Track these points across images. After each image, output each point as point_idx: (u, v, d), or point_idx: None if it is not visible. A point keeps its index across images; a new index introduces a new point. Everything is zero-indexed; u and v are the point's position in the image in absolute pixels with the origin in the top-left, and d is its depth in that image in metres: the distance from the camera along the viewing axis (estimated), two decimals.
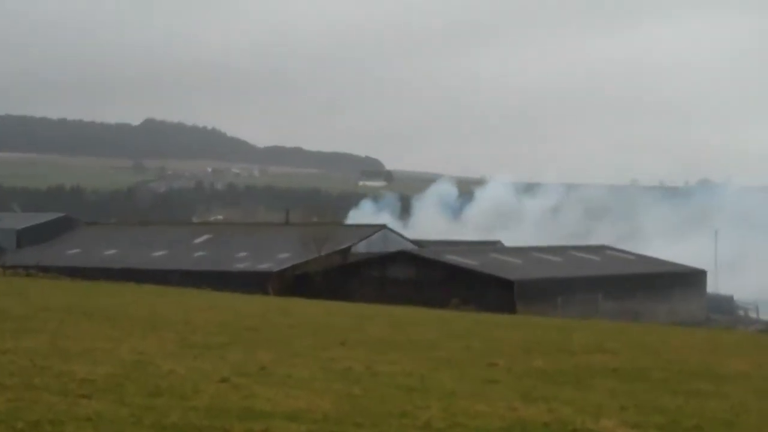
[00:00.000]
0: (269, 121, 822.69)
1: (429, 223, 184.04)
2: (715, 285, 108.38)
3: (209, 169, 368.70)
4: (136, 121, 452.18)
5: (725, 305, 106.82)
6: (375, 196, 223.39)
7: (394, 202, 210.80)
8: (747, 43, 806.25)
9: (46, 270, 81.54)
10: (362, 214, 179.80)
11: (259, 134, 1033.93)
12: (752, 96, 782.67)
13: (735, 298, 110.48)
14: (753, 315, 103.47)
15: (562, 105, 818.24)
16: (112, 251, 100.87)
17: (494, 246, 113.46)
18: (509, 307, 75.65)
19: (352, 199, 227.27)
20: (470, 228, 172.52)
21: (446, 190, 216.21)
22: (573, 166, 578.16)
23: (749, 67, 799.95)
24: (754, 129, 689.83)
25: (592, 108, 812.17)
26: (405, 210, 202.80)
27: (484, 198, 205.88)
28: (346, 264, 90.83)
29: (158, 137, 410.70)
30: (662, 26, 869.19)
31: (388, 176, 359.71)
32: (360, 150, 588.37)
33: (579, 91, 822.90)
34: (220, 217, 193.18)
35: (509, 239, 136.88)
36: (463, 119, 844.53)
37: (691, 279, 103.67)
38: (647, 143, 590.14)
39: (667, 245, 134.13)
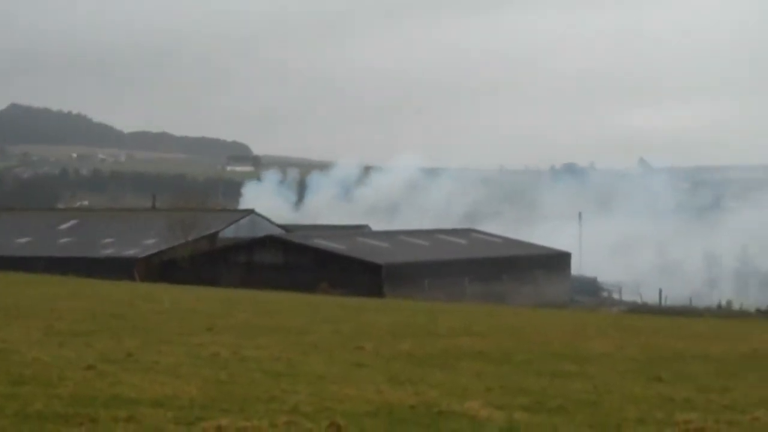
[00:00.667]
0: (138, 106, 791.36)
1: (324, 207, 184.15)
2: (579, 267, 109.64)
3: (74, 155, 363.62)
4: (1, 104, 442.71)
5: (590, 287, 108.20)
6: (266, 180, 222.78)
7: (290, 186, 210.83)
8: (613, 30, 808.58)
9: None
10: (256, 199, 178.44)
11: (126, 119, 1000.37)
12: (616, 83, 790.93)
13: (599, 279, 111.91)
14: (616, 296, 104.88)
15: (435, 91, 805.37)
16: None
17: (362, 230, 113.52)
18: (377, 291, 75.94)
19: (219, 185, 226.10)
20: (362, 212, 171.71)
21: (341, 174, 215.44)
22: (446, 151, 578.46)
23: (614, 55, 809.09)
24: (620, 114, 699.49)
25: (465, 94, 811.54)
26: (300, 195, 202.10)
27: (376, 182, 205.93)
28: (214, 249, 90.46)
29: (22, 123, 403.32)
30: (526, 13, 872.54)
31: (256, 161, 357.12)
32: (228, 135, 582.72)
33: (449, 78, 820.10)
34: (85, 203, 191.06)
35: (399, 224, 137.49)
36: (336, 105, 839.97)
37: (556, 261, 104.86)
38: (515, 130, 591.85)
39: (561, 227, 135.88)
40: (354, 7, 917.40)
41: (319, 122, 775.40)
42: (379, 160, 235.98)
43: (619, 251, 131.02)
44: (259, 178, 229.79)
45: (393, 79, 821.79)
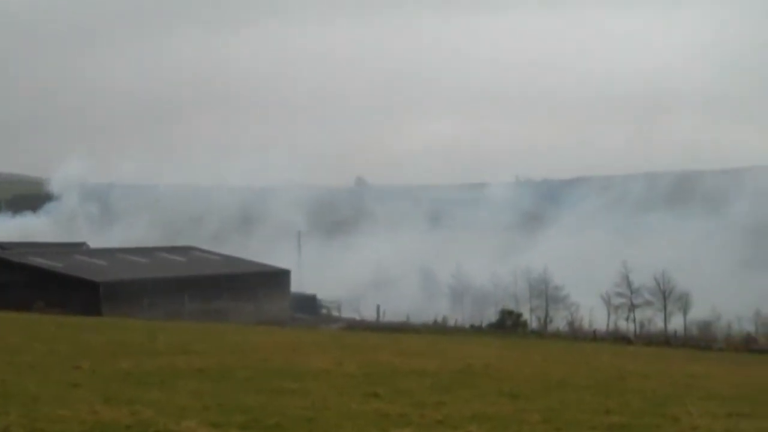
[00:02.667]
0: None
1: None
2: (299, 284, 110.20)
3: None
4: None
5: (309, 304, 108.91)
6: None
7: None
8: (397, 45, 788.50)
9: None
10: None
11: None
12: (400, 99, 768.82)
13: (318, 297, 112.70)
14: (335, 313, 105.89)
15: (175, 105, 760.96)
16: None
17: (80, 248, 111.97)
18: (95, 310, 75.00)
19: None
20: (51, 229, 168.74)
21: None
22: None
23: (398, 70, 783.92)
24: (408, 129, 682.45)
25: (221, 107, 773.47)
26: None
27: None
28: None
29: None
30: (284, 26, 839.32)
31: None
32: None
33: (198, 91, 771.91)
34: None
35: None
36: (58, 119, 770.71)
37: (276, 279, 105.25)
38: (281, 143, 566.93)
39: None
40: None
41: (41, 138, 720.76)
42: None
43: (339, 268, 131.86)
44: None
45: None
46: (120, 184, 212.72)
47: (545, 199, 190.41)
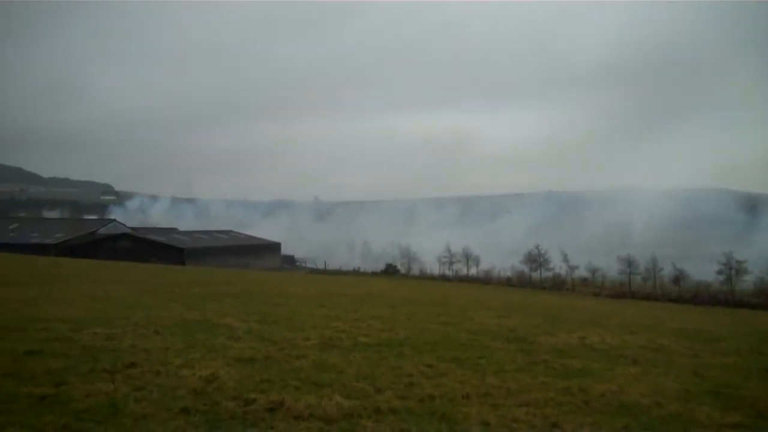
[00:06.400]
0: None
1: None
2: (287, 250, 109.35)
3: (17, 189, 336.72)
4: None
5: (291, 260, 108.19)
6: None
7: None
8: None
9: None
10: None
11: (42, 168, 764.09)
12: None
13: (295, 256, 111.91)
14: (305, 265, 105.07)
15: None
16: None
17: (174, 230, 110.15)
18: (181, 262, 74.39)
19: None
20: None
21: None
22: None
23: None
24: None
25: None
26: None
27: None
28: (94, 239, 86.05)
29: None
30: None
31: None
32: None
33: None
34: (23, 214, 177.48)
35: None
36: None
37: (272, 247, 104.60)
38: None
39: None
40: None
41: None
42: None
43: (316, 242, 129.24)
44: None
45: None
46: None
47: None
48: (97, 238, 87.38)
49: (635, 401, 9.29)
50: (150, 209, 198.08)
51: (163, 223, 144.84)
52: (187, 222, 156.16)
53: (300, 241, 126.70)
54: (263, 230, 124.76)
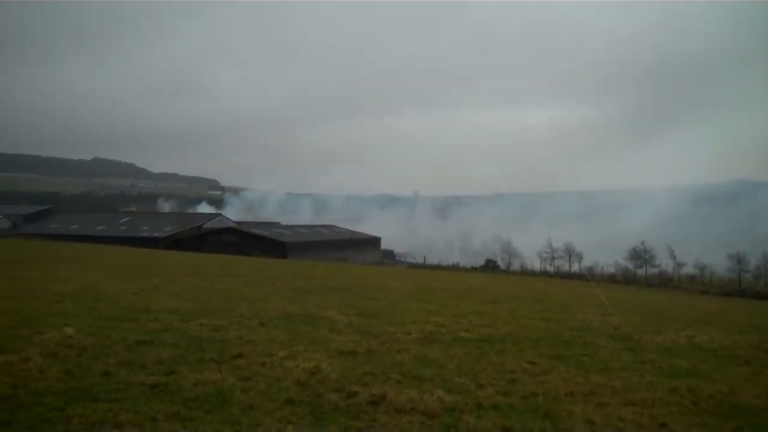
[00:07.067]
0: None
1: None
2: (387, 245, 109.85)
3: (127, 183, 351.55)
4: (88, 157, 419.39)
5: (391, 255, 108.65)
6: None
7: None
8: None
9: (40, 236, 77.37)
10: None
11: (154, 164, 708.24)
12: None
13: (395, 251, 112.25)
14: (405, 260, 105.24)
15: None
16: (75, 226, 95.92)
17: (276, 224, 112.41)
18: (284, 256, 75.65)
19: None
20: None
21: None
22: None
23: None
24: None
25: None
26: None
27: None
28: (200, 233, 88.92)
29: (103, 167, 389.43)
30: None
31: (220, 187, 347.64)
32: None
33: None
34: (134, 208, 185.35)
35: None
36: None
37: (373, 242, 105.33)
38: None
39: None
40: None
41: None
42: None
43: (411, 239, 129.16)
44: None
45: None
46: None
47: None
48: (203, 232, 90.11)
49: (747, 403, 8.91)
50: (260, 203, 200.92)
51: (274, 218, 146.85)
52: (300, 215, 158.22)
53: (401, 235, 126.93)
54: (367, 225, 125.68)
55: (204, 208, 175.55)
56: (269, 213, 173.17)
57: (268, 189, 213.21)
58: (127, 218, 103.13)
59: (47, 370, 8.85)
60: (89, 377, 8.60)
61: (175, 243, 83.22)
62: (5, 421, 6.62)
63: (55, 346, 10.46)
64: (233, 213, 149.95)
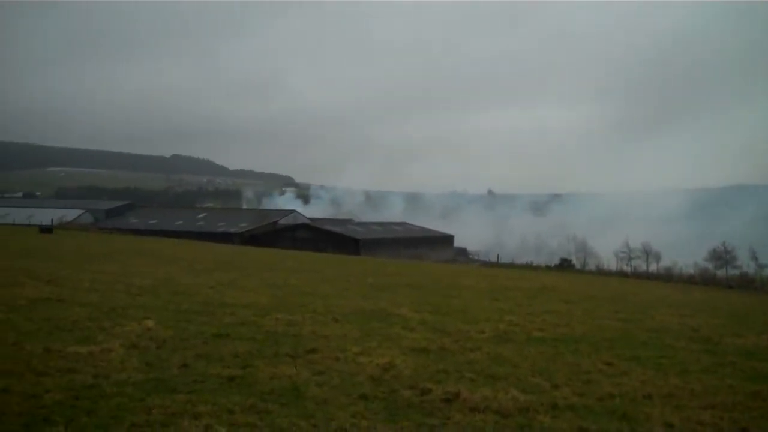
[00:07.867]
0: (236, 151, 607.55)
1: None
2: (459, 242, 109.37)
3: (205, 180, 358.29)
4: (167, 154, 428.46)
5: (464, 252, 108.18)
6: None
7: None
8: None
9: (120, 231, 79.62)
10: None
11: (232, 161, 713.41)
12: None
13: (468, 249, 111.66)
14: (478, 258, 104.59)
15: None
16: (154, 221, 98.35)
17: (350, 221, 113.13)
18: (357, 252, 76.07)
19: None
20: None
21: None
22: None
23: None
24: None
25: None
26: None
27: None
28: (275, 229, 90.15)
29: (181, 163, 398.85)
30: None
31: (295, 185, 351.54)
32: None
33: None
34: (210, 204, 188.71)
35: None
36: None
37: (446, 239, 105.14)
38: None
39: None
40: None
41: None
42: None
43: (483, 237, 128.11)
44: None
45: None
46: None
47: None
48: (277, 228, 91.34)
49: None
50: (340, 200, 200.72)
51: (356, 215, 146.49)
52: (385, 212, 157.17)
53: (473, 233, 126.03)
54: (438, 222, 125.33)
55: (287, 201, 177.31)
56: (349, 209, 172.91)
57: (346, 185, 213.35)
58: (204, 214, 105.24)
59: (128, 362, 9.10)
60: (168, 369, 8.81)
61: (250, 239, 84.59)
62: (88, 410, 6.83)
63: (135, 338, 10.74)
64: (316, 210, 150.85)
